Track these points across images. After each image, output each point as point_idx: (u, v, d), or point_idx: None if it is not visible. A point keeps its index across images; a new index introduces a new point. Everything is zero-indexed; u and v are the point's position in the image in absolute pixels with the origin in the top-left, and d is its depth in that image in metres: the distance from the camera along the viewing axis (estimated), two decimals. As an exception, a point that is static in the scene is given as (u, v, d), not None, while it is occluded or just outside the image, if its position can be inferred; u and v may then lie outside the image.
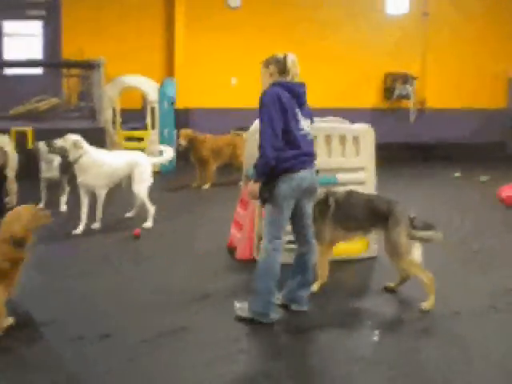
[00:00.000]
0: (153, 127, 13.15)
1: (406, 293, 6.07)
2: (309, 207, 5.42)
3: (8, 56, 15.12)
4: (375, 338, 5.16)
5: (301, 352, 4.86)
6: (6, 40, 15.17)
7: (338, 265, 6.59)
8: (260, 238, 6.63)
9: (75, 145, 7.95)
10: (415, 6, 16.35)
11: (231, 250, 7.19)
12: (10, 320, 4.99)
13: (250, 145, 6.96)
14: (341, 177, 6.85)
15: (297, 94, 5.21)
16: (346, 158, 6.94)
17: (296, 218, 5.37)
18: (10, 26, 15.20)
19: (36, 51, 15.27)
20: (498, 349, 4.85)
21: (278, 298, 5.50)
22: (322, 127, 6.94)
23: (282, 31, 15.56)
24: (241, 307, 5.36)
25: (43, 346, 4.80)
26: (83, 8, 14.66)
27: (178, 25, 15.25)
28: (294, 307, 5.56)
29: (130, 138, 12.99)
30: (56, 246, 7.44)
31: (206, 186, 11.29)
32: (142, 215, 8.46)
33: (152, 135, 13.07)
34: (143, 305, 5.66)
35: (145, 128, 13.24)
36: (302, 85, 5.32)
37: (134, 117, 13.73)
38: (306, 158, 5.23)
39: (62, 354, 4.66)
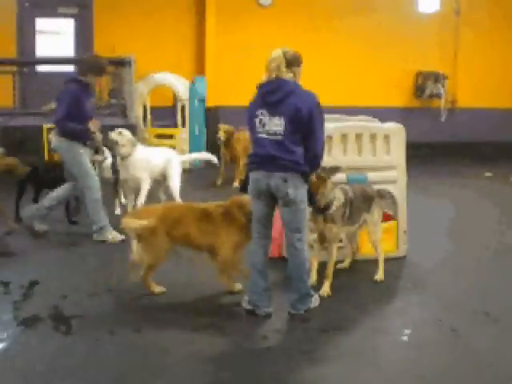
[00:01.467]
0: (183, 125, 13.21)
1: (439, 293, 6.07)
2: (282, 211, 5.32)
3: (40, 53, 15.26)
4: (405, 338, 5.17)
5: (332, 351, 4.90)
6: (38, 37, 15.30)
7: (365, 264, 6.61)
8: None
9: (131, 141, 8.05)
10: (447, 4, 16.21)
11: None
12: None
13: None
14: (372, 175, 6.84)
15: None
16: (377, 157, 6.92)
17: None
18: (42, 23, 15.33)
19: (68, 48, 15.39)
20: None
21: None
22: (352, 125, 6.94)
23: (312, 30, 15.53)
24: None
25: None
26: (115, 6, 14.78)
27: (208, 22, 15.28)
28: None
29: (160, 136, 13.06)
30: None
31: (236, 184, 11.13)
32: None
33: (182, 133, 13.12)
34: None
35: (175, 125, 13.31)
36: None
37: (164, 114, 13.80)
38: (258, 159, 5.26)
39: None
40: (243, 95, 15.03)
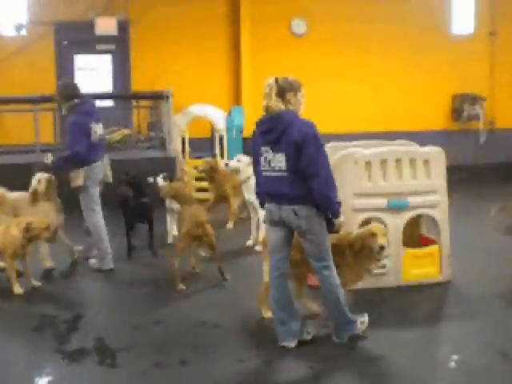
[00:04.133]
0: (221, 155, 13.28)
1: (487, 318, 5.98)
2: (301, 241, 5.23)
3: (80, 89, 15.54)
4: (453, 365, 5.08)
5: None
6: (77, 73, 15.60)
7: (410, 291, 6.54)
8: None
9: (250, 164, 8.11)
10: (481, 25, 16.15)
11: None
12: None
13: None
14: (413, 200, 6.79)
15: None
16: (418, 181, 6.86)
17: None
18: (81, 59, 15.65)
19: (106, 84, 15.66)
20: None
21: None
22: (391, 151, 6.91)
23: (346, 58, 15.60)
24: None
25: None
26: (151, 41, 15.01)
27: (243, 53, 15.42)
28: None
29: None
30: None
31: (231, 225, 10.20)
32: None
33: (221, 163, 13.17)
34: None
35: (213, 156, 13.39)
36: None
37: (202, 145, 13.90)
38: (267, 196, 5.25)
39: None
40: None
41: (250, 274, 7.19)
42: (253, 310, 6.03)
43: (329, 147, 6.93)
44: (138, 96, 14.46)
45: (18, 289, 6.72)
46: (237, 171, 8.75)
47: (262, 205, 5.45)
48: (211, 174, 10.13)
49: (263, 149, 5.11)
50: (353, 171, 6.63)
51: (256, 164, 5.28)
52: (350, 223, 6.57)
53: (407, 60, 15.80)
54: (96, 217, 7.73)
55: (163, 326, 5.90)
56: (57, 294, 6.95)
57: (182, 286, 6.91)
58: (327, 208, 5.03)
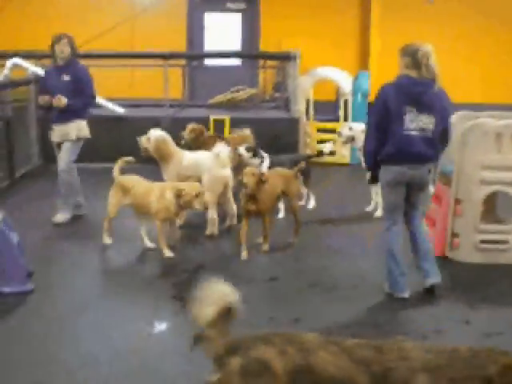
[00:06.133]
0: (345, 119, 13.18)
1: None
2: None
3: (209, 47, 15.80)
4: None
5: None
6: (206, 31, 15.86)
7: None
8: (453, 235, 6.53)
9: (363, 131, 8.12)
10: None
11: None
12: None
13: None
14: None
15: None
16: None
17: None
18: (211, 17, 15.87)
19: (235, 43, 15.83)
20: None
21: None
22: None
23: (476, 26, 15.06)
24: None
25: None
26: (281, 1, 15.02)
27: (373, 17, 15.18)
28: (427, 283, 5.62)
29: (321, 130, 13.11)
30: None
31: None
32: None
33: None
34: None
35: (337, 120, 13.30)
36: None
37: (326, 108, 13.84)
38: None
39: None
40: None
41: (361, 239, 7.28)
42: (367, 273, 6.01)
43: (458, 117, 6.77)
44: (265, 56, 14.56)
45: (168, 252, 6.63)
46: (350, 139, 8.66)
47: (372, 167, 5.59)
48: (196, 139, 9.16)
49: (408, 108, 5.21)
50: (481, 142, 6.42)
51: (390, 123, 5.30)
52: (475, 195, 6.41)
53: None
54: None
55: (278, 283, 6.00)
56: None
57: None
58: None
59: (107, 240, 7.03)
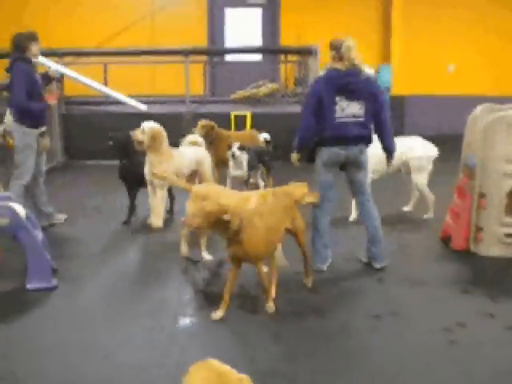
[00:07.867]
0: (366, 113, 13.13)
1: None
2: None
3: (229, 43, 15.82)
4: None
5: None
6: (227, 27, 15.88)
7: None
8: (477, 229, 6.48)
9: None
10: None
11: (445, 239, 7.02)
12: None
13: (468, 132, 6.79)
14: None
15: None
16: None
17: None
18: (231, 13, 15.89)
19: (256, 38, 15.84)
20: None
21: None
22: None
23: (502, 18, 14.93)
24: None
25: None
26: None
27: (394, 11, 15.10)
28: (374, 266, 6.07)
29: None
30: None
31: None
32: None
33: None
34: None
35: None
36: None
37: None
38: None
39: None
40: (429, 84, 14.95)
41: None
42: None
43: (480, 109, 6.71)
44: (286, 50, 14.53)
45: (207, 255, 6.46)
46: None
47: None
48: (208, 135, 9.24)
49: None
50: (505, 135, 6.38)
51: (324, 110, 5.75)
52: (499, 189, 6.37)
53: None
54: None
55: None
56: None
57: None
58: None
59: (207, 256, 6.50)
